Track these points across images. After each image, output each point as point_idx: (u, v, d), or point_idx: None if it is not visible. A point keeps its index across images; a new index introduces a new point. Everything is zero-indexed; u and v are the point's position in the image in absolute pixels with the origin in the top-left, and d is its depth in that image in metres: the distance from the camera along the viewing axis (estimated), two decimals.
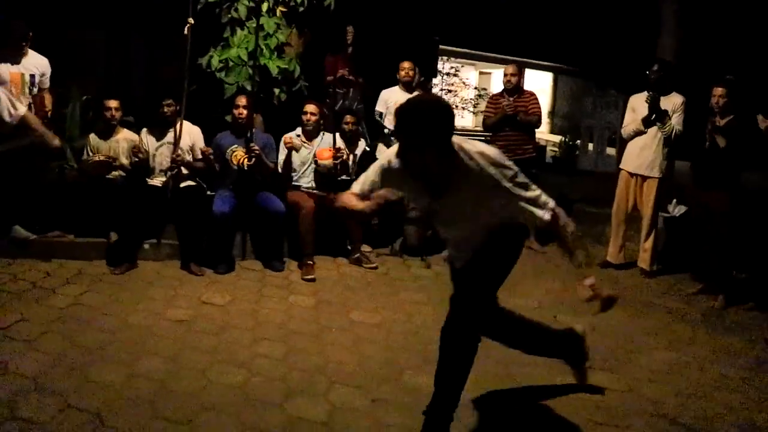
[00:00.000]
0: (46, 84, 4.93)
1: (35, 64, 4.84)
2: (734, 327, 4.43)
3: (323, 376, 3.26)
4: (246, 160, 4.96)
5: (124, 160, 4.95)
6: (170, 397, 2.92)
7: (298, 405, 2.93)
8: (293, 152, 5.21)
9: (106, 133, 5.00)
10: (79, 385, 2.95)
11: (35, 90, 4.82)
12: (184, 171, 4.98)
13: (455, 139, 2.42)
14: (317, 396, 3.04)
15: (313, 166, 5.30)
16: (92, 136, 5.00)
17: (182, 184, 4.98)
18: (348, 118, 5.59)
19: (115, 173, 4.94)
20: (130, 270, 4.65)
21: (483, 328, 2.64)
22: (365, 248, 5.46)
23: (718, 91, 4.84)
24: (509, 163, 2.50)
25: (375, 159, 5.84)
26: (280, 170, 5.22)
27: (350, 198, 2.55)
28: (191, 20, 4.85)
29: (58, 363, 3.15)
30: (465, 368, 2.55)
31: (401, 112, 2.38)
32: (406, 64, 5.98)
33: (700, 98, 5.31)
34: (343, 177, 5.29)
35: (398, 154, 2.40)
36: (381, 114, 5.98)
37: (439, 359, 2.58)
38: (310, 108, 5.33)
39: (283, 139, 5.27)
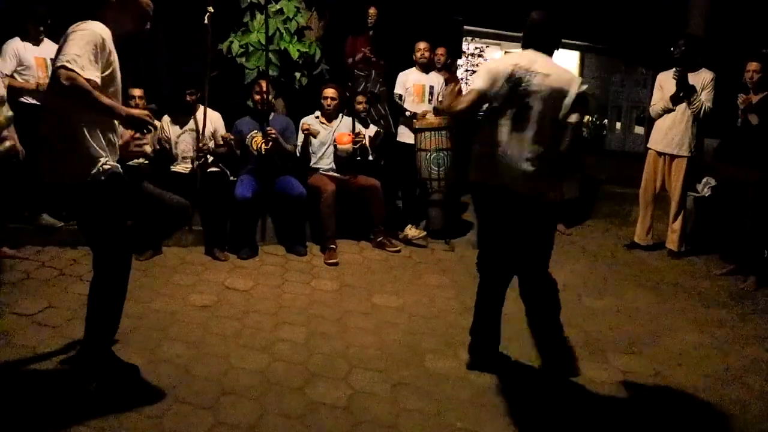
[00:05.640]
0: None
1: (52, 50, 4.91)
2: (765, 309, 4.32)
3: (344, 360, 3.26)
4: (264, 144, 4.97)
5: (148, 148, 4.98)
6: (192, 381, 2.94)
7: (318, 389, 2.94)
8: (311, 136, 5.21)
9: None
10: None
11: None
12: (209, 158, 5.01)
13: None
14: (338, 380, 3.04)
15: (332, 147, 5.27)
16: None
17: (207, 170, 5.00)
18: (359, 98, 5.50)
19: (140, 160, 4.98)
20: (154, 256, 4.69)
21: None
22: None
23: (753, 65, 4.69)
24: None
25: (396, 141, 5.89)
26: (297, 154, 5.22)
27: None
28: (211, 9, 4.81)
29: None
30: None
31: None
32: (421, 45, 5.81)
33: (731, 74, 5.15)
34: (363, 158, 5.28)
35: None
36: (400, 96, 5.87)
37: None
38: (330, 92, 5.30)
39: (301, 123, 5.26)
